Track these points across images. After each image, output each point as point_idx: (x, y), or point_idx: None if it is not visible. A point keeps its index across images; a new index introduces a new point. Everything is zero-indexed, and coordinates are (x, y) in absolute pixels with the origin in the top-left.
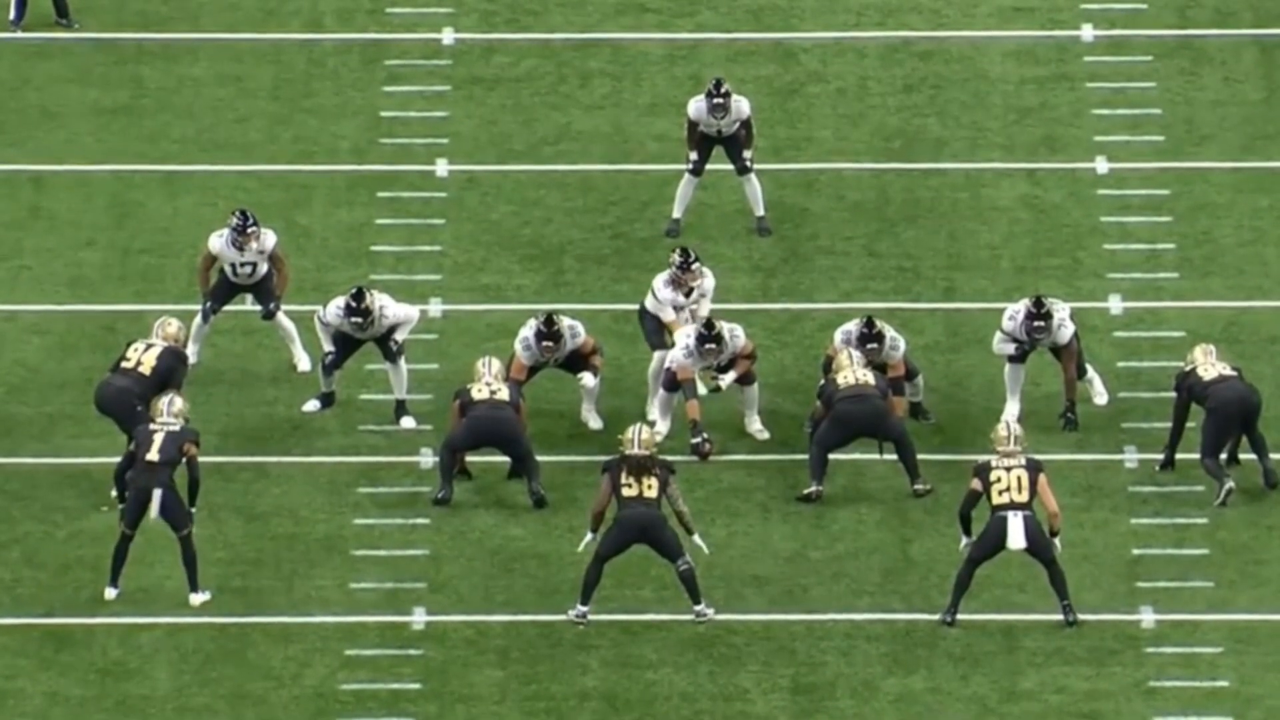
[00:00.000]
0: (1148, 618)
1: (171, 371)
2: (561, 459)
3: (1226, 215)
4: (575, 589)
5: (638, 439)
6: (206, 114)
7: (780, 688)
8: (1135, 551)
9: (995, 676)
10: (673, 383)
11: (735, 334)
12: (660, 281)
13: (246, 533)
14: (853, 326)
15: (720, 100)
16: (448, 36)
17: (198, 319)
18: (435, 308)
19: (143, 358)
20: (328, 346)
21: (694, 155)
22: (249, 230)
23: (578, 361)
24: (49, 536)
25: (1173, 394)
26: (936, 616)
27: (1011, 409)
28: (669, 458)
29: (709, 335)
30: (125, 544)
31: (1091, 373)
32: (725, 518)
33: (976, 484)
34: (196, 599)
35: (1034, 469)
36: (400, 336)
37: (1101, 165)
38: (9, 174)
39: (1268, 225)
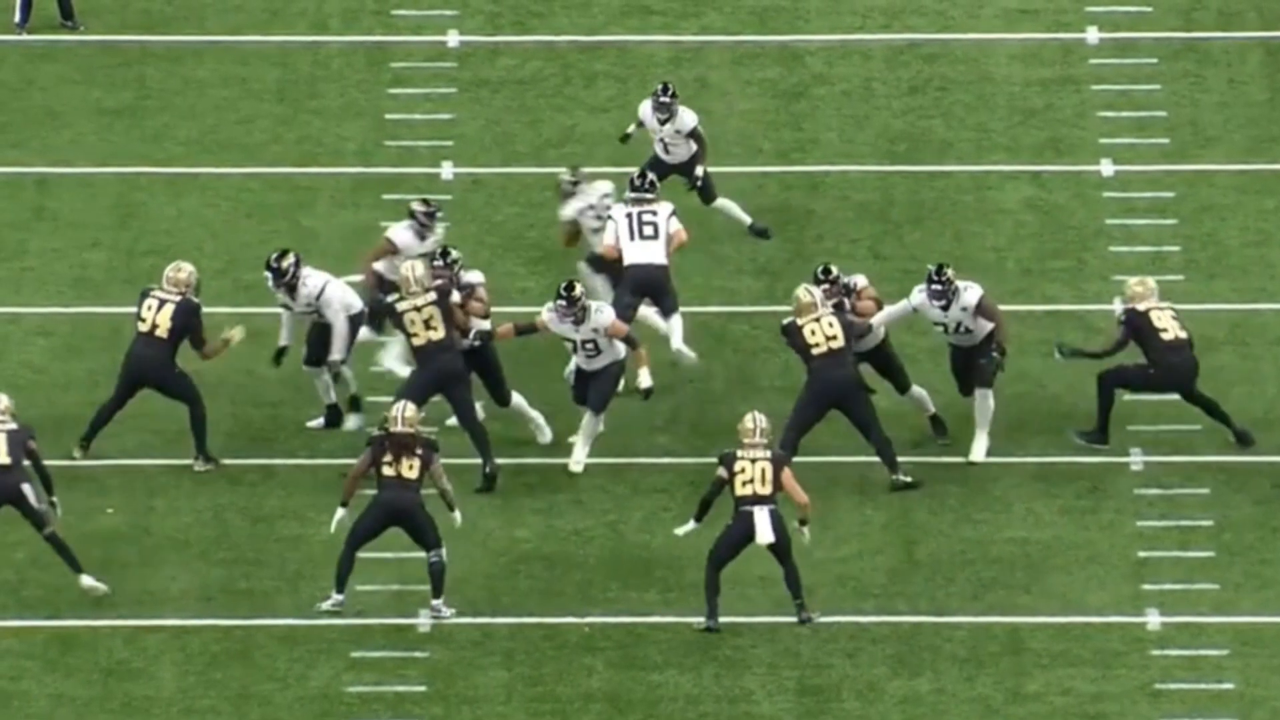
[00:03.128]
0: (1153, 620)
1: (187, 328)
2: (561, 460)
3: (1232, 217)
4: (581, 591)
5: (401, 417)
6: (211, 115)
7: (785, 690)
8: (1141, 554)
9: (1000, 678)
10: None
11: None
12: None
13: (252, 534)
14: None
15: (665, 100)
16: (453, 39)
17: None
18: None
19: (156, 319)
20: (284, 340)
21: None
22: (436, 217)
23: (479, 356)
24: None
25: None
26: (938, 619)
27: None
28: (673, 459)
29: (568, 295)
30: (48, 539)
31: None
32: (728, 518)
33: (722, 473)
34: (87, 581)
35: (779, 462)
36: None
37: (1107, 167)
38: (14, 175)
39: (1273, 227)
